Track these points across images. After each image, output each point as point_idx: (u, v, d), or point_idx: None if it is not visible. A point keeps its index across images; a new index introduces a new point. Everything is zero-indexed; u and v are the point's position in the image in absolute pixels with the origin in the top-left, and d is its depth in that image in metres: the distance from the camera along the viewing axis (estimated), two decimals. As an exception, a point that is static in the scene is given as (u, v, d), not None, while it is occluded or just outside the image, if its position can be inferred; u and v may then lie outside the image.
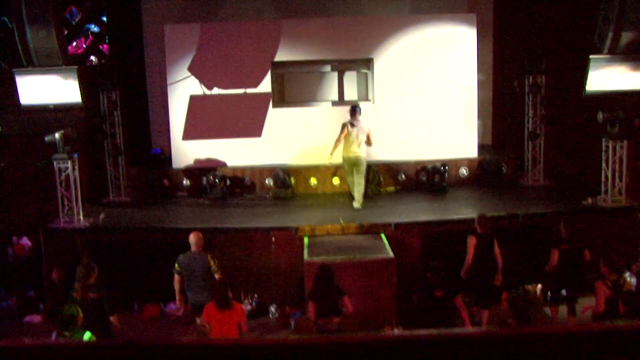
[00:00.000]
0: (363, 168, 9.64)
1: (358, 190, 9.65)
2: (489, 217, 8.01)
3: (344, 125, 9.48)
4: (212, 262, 7.11)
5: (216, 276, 7.03)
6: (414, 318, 7.24)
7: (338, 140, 9.47)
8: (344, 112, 9.91)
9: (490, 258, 7.62)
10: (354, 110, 9.52)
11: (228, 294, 6.26)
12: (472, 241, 7.60)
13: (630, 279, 8.55)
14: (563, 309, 7.76)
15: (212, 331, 5.96)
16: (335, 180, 10.90)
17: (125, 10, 12.22)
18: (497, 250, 7.63)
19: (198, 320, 6.86)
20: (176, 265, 7.14)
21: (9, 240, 10.12)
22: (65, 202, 9.21)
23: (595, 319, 6.66)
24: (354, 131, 9.41)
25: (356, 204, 9.69)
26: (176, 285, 7.17)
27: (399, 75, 11.20)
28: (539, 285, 8.65)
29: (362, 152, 9.54)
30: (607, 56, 9.20)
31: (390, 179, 10.96)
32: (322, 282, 6.78)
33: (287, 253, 8.76)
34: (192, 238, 7.19)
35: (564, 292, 7.71)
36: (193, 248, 7.19)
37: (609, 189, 9.44)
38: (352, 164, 9.58)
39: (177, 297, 7.23)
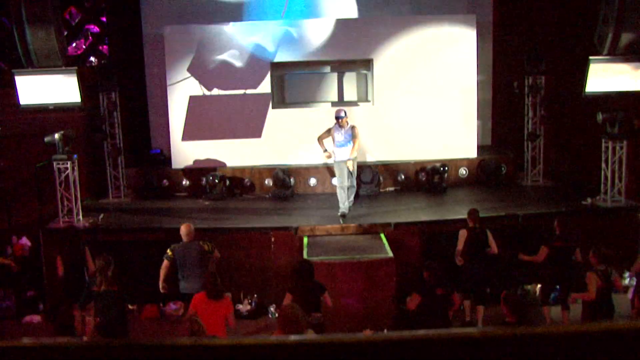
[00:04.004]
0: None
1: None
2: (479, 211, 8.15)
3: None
4: (205, 246, 7.27)
5: (215, 256, 7.26)
6: (411, 320, 7.21)
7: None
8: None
9: (484, 251, 7.80)
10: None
11: (218, 284, 6.23)
12: (463, 233, 7.91)
13: (628, 280, 8.55)
14: (557, 309, 7.79)
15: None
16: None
17: (125, 11, 12.22)
18: (491, 241, 7.84)
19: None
20: (169, 251, 7.26)
21: (9, 240, 10.12)
22: (65, 203, 9.22)
23: (585, 309, 6.74)
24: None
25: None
26: (163, 271, 7.27)
27: (398, 76, 11.19)
28: (539, 285, 8.65)
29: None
30: (607, 57, 9.20)
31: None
32: (302, 278, 6.62)
33: (286, 253, 8.76)
34: (183, 229, 7.33)
35: (556, 289, 7.80)
36: (184, 239, 7.31)
37: (608, 189, 9.44)
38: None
39: (161, 284, 7.28)
